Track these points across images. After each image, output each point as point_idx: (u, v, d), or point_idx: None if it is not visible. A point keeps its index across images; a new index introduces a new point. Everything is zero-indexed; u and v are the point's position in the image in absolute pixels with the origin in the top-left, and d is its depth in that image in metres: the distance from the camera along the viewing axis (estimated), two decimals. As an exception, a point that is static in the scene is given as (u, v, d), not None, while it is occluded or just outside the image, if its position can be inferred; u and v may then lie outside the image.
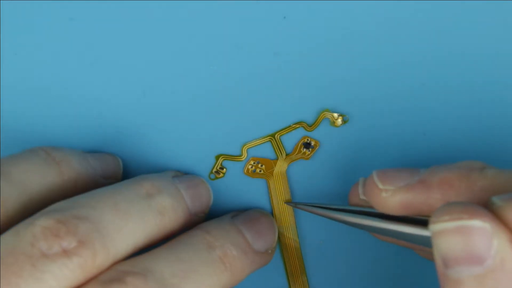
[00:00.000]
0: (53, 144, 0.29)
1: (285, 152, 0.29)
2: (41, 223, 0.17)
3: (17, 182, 0.20)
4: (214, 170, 0.29)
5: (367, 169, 0.29)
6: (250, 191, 0.29)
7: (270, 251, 0.26)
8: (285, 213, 0.29)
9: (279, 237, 0.29)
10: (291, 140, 0.30)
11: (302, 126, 0.29)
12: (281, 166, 0.29)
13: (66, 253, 0.17)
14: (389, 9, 0.30)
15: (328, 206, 0.26)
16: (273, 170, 0.29)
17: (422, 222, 0.22)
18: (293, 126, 0.29)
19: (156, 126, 0.29)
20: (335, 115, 0.29)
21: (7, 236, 0.17)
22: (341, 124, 0.29)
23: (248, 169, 0.29)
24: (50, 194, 0.22)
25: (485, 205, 0.18)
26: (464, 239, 0.16)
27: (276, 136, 0.29)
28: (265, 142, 0.29)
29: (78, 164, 0.24)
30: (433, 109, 0.29)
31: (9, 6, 0.29)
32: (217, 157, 0.29)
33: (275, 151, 0.29)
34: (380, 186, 0.23)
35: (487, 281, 0.16)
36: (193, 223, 0.25)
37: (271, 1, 0.29)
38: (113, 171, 0.27)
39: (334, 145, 0.29)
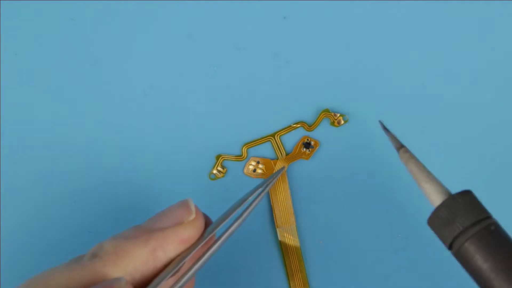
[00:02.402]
0: (53, 142, 0.29)
1: (285, 152, 0.29)
2: None
3: None
4: (214, 170, 0.29)
5: (366, 169, 0.29)
6: (250, 191, 0.29)
7: None
8: (285, 213, 0.29)
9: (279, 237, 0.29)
10: (291, 140, 0.30)
11: (302, 126, 0.29)
12: (281, 166, 0.29)
13: None
14: (389, 9, 0.30)
15: None
16: (273, 170, 0.29)
17: None
18: (293, 126, 0.29)
19: (156, 126, 0.29)
20: (335, 115, 0.29)
21: None
22: (341, 124, 0.29)
23: (248, 169, 0.29)
24: None
25: None
26: None
27: (276, 136, 0.29)
28: (265, 142, 0.29)
29: None
30: (433, 109, 0.29)
31: (9, 6, 0.30)
32: (217, 157, 0.29)
33: (275, 151, 0.30)
34: None
35: None
36: None
37: (271, 1, 0.29)
38: None
39: (334, 145, 0.29)
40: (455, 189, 0.22)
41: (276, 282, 0.29)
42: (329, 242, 0.29)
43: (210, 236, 0.23)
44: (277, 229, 0.29)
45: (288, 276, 0.29)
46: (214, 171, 0.29)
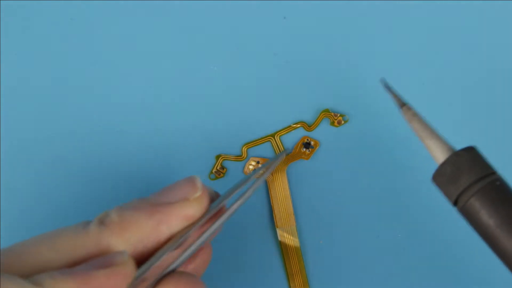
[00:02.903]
0: (52, 143, 0.29)
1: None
2: None
3: None
4: (214, 170, 0.29)
5: (366, 169, 0.29)
6: (250, 191, 0.29)
7: None
8: (285, 213, 0.29)
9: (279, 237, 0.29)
10: (291, 140, 0.30)
11: (302, 126, 0.29)
12: (281, 166, 0.29)
13: None
14: (389, 9, 0.30)
15: None
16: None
17: None
18: (293, 126, 0.29)
19: (156, 126, 0.29)
20: (335, 115, 0.29)
21: None
22: (341, 124, 0.29)
23: (248, 169, 0.29)
24: None
25: None
26: None
27: (276, 136, 0.29)
28: (265, 142, 0.29)
29: None
30: (433, 109, 0.30)
31: (9, 6, 0.30)
32: (217, 157, 0.29)
33: (275, 151, 0.30)
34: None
35: None
36: None
37: (271, 1, 0.29)
38: None
39: (334, 145, 0.29)
40: (459, 146, 0.22)
41: (276, 283, 0.29)
42: (329, 242, 0.29)
43: (215, 210, 0.23)
44: (277, 230, 0.29)
45: (288, 276, 0.29)
46: (214, 171, 0.29)
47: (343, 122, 0.29)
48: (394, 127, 0.29)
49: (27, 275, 0.19)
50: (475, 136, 0.30)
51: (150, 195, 0.23)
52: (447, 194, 0.22)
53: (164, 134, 0.29)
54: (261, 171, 0.26)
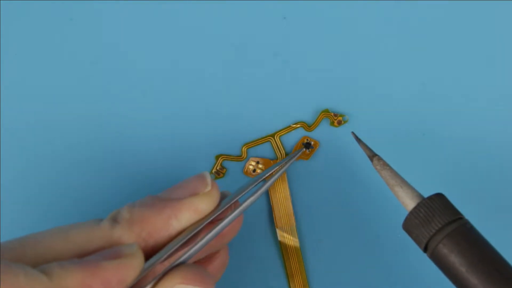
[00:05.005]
0: (52, 143, 0.29)
1: (285, 152, 0.29)
2: None
3: None
4: (214, 170, 0.29)
5: (366, 169, 0.29)
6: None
7: None
8: (284, 213, 0.29)
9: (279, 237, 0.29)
10: (291, 140, 0.30)
11: (302, 126, 0.29)
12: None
13: None
14: (389, 9, 0.30)
15: None
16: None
17: None
18: (293, 126, 0.29)
19: (156, 126, 0.29)
20: (335, 115, 0.29)
21: None
22: (341, 124, 0.29)
23: (248, 169, 0.29)
24: None
25: None
26: None
27: (276, 136, 0.29)
28: (265, 142, 0.29)
29: None
30: (433, 109, 0.30)
31: (9, 6, 0.30)
32: (217, 157, 0.29)
33: (274, 151, 0.29)
34: None
35: None
36: None
37: (271, 1, 0.29)
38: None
39: (334, 145, 0.29)
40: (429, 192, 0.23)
41: (276, 283, 0.29)
42: (329, 242, 0.29)
43: (227, 206, 0.23)
44: (277, 230, 0.29)
45: (288, 276, 0.29)
46: (214, 171, 0.29)
47: (343, 122, 0.29)
48: (394, 127, 0.29)
49: (39, 265, 0.19)
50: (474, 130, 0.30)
51: (160, 192, 0.23)
52: (416, 240, 0.23)
53: (164, 135, 0.29)
54: (276, 168, 0.26)
